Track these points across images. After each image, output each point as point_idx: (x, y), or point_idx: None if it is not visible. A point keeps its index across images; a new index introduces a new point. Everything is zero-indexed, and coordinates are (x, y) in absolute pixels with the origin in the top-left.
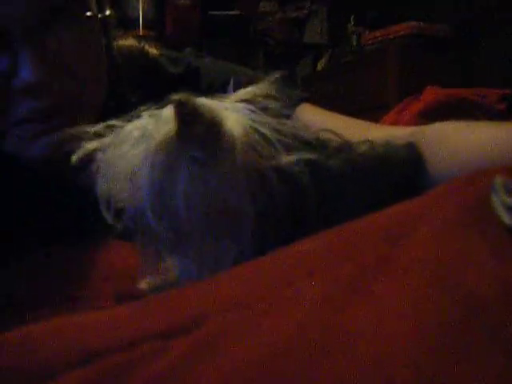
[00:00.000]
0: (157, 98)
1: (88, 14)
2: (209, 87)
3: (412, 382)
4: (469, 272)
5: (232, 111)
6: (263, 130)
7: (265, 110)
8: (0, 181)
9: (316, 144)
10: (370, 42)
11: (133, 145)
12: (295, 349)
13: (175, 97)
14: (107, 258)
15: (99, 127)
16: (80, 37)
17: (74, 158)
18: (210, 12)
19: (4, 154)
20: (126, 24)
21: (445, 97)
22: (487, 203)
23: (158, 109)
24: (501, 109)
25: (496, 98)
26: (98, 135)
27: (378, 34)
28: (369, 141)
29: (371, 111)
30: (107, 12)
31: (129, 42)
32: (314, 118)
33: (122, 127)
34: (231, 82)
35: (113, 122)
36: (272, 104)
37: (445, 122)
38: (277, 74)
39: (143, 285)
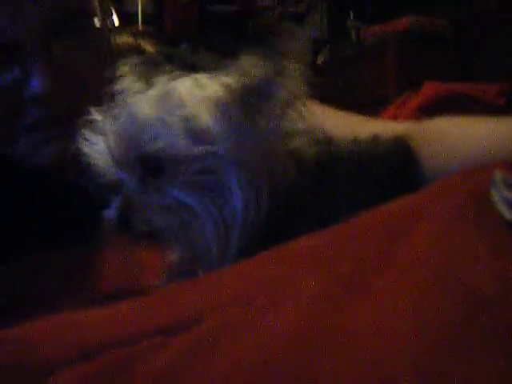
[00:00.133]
0: None
1: (96, 24)
2: None
3: (412, 382)
4: (468, 269)
5: None
6: None
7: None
8: (3, 183)
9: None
10: (369, 36)
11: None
12: (294, 348)
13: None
14: (106, 256)
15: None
16: (88, 46)
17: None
18: (209, 7)
19: (11, 158)
20: (125, 19)
21: (444, 91)
22: (487, 198)
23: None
24: (500, 104)
25: (495, 92)
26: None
27: (377, 28)
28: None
29: (370, 106)
30: (115, 22)
31: (125, 39)
32: (312, 113)
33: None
34: None
35: None
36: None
37: (444, 117)
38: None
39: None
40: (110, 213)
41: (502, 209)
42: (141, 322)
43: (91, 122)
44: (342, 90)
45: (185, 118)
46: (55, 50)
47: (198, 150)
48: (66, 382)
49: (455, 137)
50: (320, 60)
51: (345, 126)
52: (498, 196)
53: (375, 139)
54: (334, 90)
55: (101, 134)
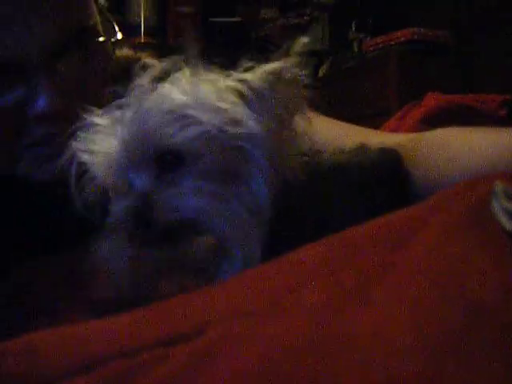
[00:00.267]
0: None
1: (101, 39)
2: None
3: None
4: (469, 279)
5: None
6: None
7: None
8: (7, 199)
9: None
10: (371, 48)
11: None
12: (295, 360)
13: None
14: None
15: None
16: (92, 60)
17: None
18: (211, 19)
19: (13, 177)
20: (128, 31)
21: (446, 103)
22: (488, 209)
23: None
24: (501, 115)
25: (496, 103)
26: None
27: (379, 40)
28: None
29: (372, 117)
30: (118, 36)
31: (125, 52)
32: (314, 124)
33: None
34: None
35: None
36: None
37: (446, 128)
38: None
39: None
40: (119, 213)
41: (503, 220)
42: (141, 334)
43: (92, 125)
44: (343, 101)
45: (216, 106)
46: (60, 67)
47: (231, 135)
48: None
49: (456, 147)
50: (322, 72)
51: (346, 137)
52: (498, 207)
53: (361, 149)
54: (335, 101)
55: (107, 135)
